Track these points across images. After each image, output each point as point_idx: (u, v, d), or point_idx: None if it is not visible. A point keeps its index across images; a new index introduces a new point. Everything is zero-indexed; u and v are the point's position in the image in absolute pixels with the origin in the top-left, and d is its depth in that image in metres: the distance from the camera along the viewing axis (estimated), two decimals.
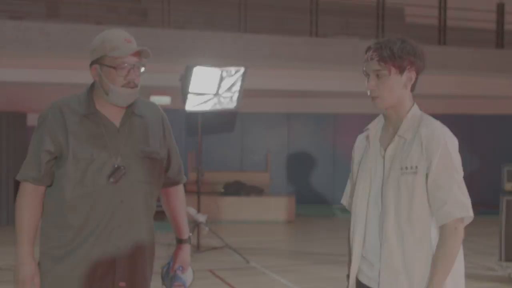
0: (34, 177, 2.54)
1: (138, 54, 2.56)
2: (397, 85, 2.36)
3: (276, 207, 11.38)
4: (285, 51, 9.67)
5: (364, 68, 2.39)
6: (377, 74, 2.37)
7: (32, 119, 10.46)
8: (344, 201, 2.58)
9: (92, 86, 2.61)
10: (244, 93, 8.42)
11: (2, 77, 9.37)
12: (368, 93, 2.40)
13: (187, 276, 2.84)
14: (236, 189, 11.57)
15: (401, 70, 2.35)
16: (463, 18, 10.89)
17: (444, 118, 12.09)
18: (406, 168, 2.30)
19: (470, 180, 13.53)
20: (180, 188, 2.88)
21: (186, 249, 2.89)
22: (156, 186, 2.68)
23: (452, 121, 14.26)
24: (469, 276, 6.75)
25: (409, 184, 2.30)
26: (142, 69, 2.59)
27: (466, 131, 13.58)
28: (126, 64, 2.50)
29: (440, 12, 10.93)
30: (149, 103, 2.75)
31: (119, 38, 2.53)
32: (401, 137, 2.36)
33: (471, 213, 2.28)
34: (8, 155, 10.23)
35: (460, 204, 2.25)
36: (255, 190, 11.66)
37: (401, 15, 12.89)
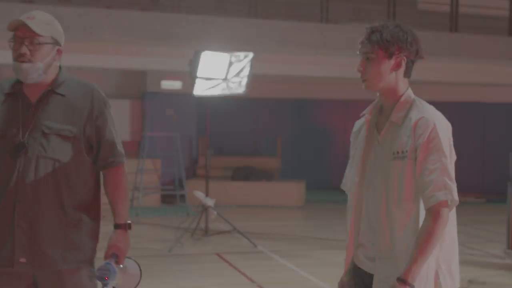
0: None
1: (30, 30, 2.54)
2: (385, 69, 2.38)
3: (286, 192, 11.43)
4: (295, 37, 9.65)
5: (358, 50, 2.43)
6: (367, 57, 2.40)
7: None
8: (344, 186, 2.60)
9: None
10: (255, 79, 8.43)
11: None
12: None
13: (126, 268, 2.62)
14: (246, 174, 11.62)
15: (389, 55, 2.37)
16: (475, 5, 10.79)
17: (457, 106, 12.08)
18: (398, 152, 2.33)
19: (482, 168, 13.53)
20: (115, 171, 2.75)
21: (121, 235, 2.66)
22: (73, 165, 2.62)
23: (464, 109, 14.23)
24: (476, 264, 6.79)
25: (399, 169, 2.31)
26: (43, 43, 2.57)
27: (478, 118, 13.53)
28: (14, 39, 2.54)
29: None
30: (84, 84, 2.72)
31: (24, 15, 2.56)
32: (393, 122, 2.39)
33: (455, 197, 2.28)
34: None
35: (444, 188, 2.26)
36: (265, 175, 11.71)
37: (414, 1, 12.81)
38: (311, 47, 9.72)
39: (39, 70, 2.55)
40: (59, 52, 2.65)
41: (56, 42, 2.62)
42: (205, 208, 7.98)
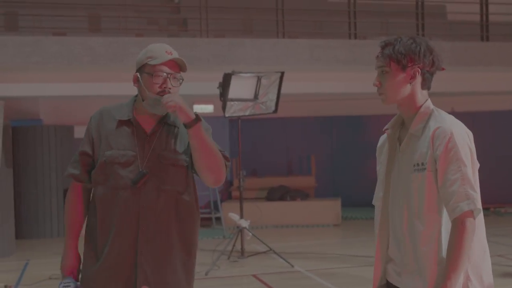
0: (74, 174, 2.74)
1: (177, 66, 2.66)
2: (400, 82, 2.38)
3: (322, 211, 11.36)
4: (324, 54, 9.65)
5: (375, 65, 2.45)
6: (382, 70, 2.41)
7: (78, 132, 10.73)
8: (375, 201, 2.58)
9: (136, 96, 2.76)
10: (286, 98, 8.44)
11: (49, 92, 9.66)
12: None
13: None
14: (280, 193, 11.59)
15: (402, 67, 2.36)
16: (505, 12, 10.66)
17: (491, 115, 11.84)
18: (418, 164, 2.31)
19: None
20: None
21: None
22: (187, 194, 2.71)
23: (498, 118, 13.97)
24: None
25: (419, 181, 2.30)
26: (180, 81, 2.68)
27: None
28: (162, 73, 2.61)
29: (482, 7, 10.72)
30: None
31: (161, 49, 2.65)
32: (412, 134, 2.38)
33: (478, 206, 2.24)
34: (56, 167, 10.51)
35: (466, 198, 2.22)
36: (300, 194, 11.65)
37: (443, 12, 12.72)
38: (340, 63, 9.71)
39: None
40: None
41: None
42: (240, 230, 7.97)
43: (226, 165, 2.73)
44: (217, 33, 10.44)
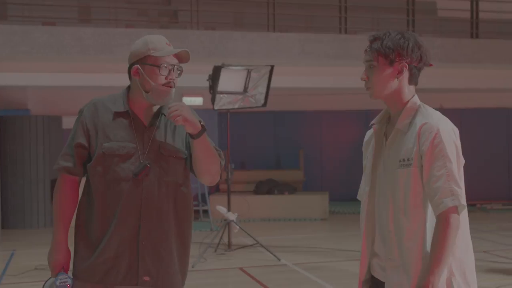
0: (67, 167, 2.68)
1: (177, 57, 2.70)
2: (387, 76, 2.38)
3: (309, 205, 11.39)
4: (314, 49, 9.66)
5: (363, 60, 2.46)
6: (369, 65, 2.42)
7: (67, 122, 10.68)
8: (359, 196, 2.59)
9: (128, 88, 2.76)
10: (276, 92, 8.43)
11: (37, 81, 9.59)
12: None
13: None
14: (268, 187, 11.60)
15: (389, 62, 2.37)
16: (495, 10, 10.71)
17: (480, 112, 11.92)
18: (404, 160, 2.32)
19: (509, 175, 13.34)
20: None
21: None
22: (185, 186, 2.73)
23: (487, 115, 14.07)
24: (503, 272, 6.67)
25: (405, 176, 2.31)
26: (179, 73, 2.72)
27: (502, 124, 13.37)
28: (168, 64, 2.64)
29: (472, 4, 10.76)
30: None
31: (161, 41, 2.68)
32: (398, 130, 2.39)
33: (463, 202, 2.26)
34: (44, 158, 10.47)
35: (451, 194, 2.24)
36: (288, 188, 11.68)
37: (434, 9, 12.75)
38: (330, 58, 9.71)
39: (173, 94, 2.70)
40: None
41: None
42: (227, 223, 7.98)
43: (221, 164, 2.74)
44: (208, 26, 10.40)
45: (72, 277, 2.66)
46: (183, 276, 2.77)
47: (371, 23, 11.84)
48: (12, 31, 8.52)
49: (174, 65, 2.65)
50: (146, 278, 2.62)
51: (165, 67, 2.62)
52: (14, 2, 9.81)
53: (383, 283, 2.41)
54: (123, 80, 2.76)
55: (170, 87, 2.64)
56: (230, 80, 7.89)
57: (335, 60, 9.75)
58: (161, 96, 2.64)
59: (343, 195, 12.81)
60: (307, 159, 13.03)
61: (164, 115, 2.70)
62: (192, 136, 2.58)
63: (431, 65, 2.45)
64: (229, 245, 8.07)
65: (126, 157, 2.61)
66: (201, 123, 2.59)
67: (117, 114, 2.67)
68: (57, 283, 2.61)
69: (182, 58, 2.71)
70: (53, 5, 9.77)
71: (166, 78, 2.62)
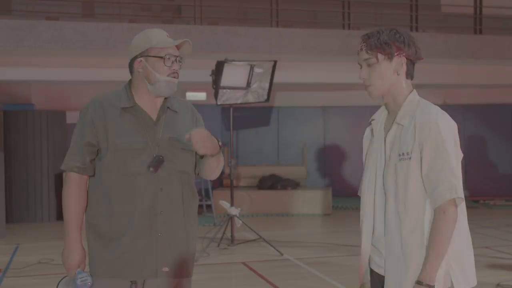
0: (78, 167, 2.69)
1: (179, 49, 2.75)
2: (387, 72, 2.40)
3: (312, 200, 11.40)
4: (317, 44, 9.67)
5: (358, 60, 2.45)
6: (368, 63, 2.42)
7: (71, 117, 10.70)
8: (360, 192, 2.62)
9: (130, 82, 2.78)
10: (279, 87, 8.45)
11: (40, 76, 9.63)
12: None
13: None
14: (271, 182, 11.61)
15: (389, 57, 2.39)
16: (499, 5, 10.69)
17: (482, 108, 11.88)
18: (403, 154, 2.35)
19: None
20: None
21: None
22: (192, 178, 2.81)
23: (490, 111, 14.03)
24: (505, 267, 6.68)
25: (404, 170, 2.34)
26: (181, 64, 2.76)
27: (507, 120, 13.35)
28: (170, 56, 2.68)
29: (476, 0, 10.75)
30: (181, 100, 2.90)
31: (162, 34, 2.73)
32: (398, 124, 2.41)
33: (460, 195, 2.28)
34: (48, 152, 10.50)
35: (448, 187, 2.27)
36: (291, 183, 11.69)
37: (437, 4, 12.74)
38: (333, 53, 9.72)
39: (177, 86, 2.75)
40: None
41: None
42: (230, 217, 8.00)
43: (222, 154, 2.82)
44: (211, 21, 10.42)
45: (91, 274, 2.68)
46: (192, 267, 2.84)
47: (374, 18, 11.84)
48: (16, 26, 8.55)
49: (176, 56, 2.69)
50: (165, 269, 2.67)
51: (168, 58, 2.66)
52: None
53: (383, 276, 2.43)
54: (127, 75, 2.79)
55: (175, 78, 2.69)
56: (233, 75, 7.90)
57: (338, 55, 9.76)
58: (167, 87, 2.68)
59: (347, 191, 12.82)
60: (310, 154, 13.04)
61: (170, 109, 2.75)
62: (209, 155, 2.69)
63: (422, 58, 2.47)
64: (232, 239, 8.09)
65: (139, 152, 2.65)
66: (219, 142, 2.67)
67: (124, 110, 2.69)
68: (78, 282, 2.62)
69: (184, 49, 2.76)
70: (57, 0, 9.80)
71: (170, 68, 2.66)
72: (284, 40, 9.50)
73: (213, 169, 2.79)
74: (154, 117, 2.71)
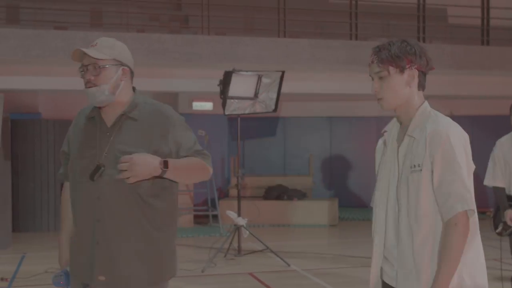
0: (60, 173, 2.95)
1: (86, 56, 2.68)
2: (399, 85, 2.39)
3: (319, 211, 11.36)
4: (324, 54, 9.66)
5: (369, 72, 2.44)
6: (379, 76, 2.41)
7: None
8: (373, 203, 2.60)
9: None
10: (286, 97, 8.45)
11: (48, 85, 9.65)
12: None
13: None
14: (278, 193, 11.59)
15: (401, 70, 2.38)
16: (506, 17, 10.68)
17: (490, 119, 11.80)
18: (415, 166, 2.33)
19: None
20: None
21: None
22: (147, 188, 2.66)
23: (498, 122, 14.00)
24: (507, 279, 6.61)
25: (416, 182, 2.32)
26: (105, 66, 2.67)
27: None
28: (81, 67, 2.70)
29: (483, 11, 10.74)
30: (154, 106, 2.80)
31: (87, 45, 2.74)
32: (410, 136, 2.40)
33: (472, 207, 2.27)
34: (55, 162, 10.51)
35: (461, 199, 2.25)
36: (298, 194, 11.66)
37: (444, 15, 12.74)
38: (340, 64, 9.72)
39: (105, 91, 2.68)
40: (124, 72, 2.74)
41: (120, 63, 2.72)
42: (237, 228, 7.98)
43: (207, 162, 2.80)
44: (218, 31, 10.45)
45: (69, 274, 2.84)
46: (151, 275, 2.70)
47: (381, 29, 11.85)
48: (24, 35, 8.58)
49: (84, 66, 2.69)
50: (101, 278, 2.67)
51: (81, 70, 2.71)
52: (26, 7, 9.89)
53: None
54: (134, 85, 2.79)
55: (90, 87, 2.67)
56: (240, 85, 7.91)
57: (346, 66, 9.75)
58: (89, 97, 2.71)
59: (353, 201, 12.78)
60: (317, 164, 13.02)
61: (128, 116, 2.72)
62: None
63: (433, 68, 2.46)
64: (239, 250, 8.07)
65: (86, 160, 2.70)
66: (161, 165, 2.60)
67: (88, 119, 2.79)
68: (53, 279, 2.84)
69: (87, 56, 2.66)
70: (65, 10, 9.84)
71: (84, 80, 2.69)
72: (291, 51, 9.50)
73: (182, 181, 2.85)
74: (110, 125, 2.73)
